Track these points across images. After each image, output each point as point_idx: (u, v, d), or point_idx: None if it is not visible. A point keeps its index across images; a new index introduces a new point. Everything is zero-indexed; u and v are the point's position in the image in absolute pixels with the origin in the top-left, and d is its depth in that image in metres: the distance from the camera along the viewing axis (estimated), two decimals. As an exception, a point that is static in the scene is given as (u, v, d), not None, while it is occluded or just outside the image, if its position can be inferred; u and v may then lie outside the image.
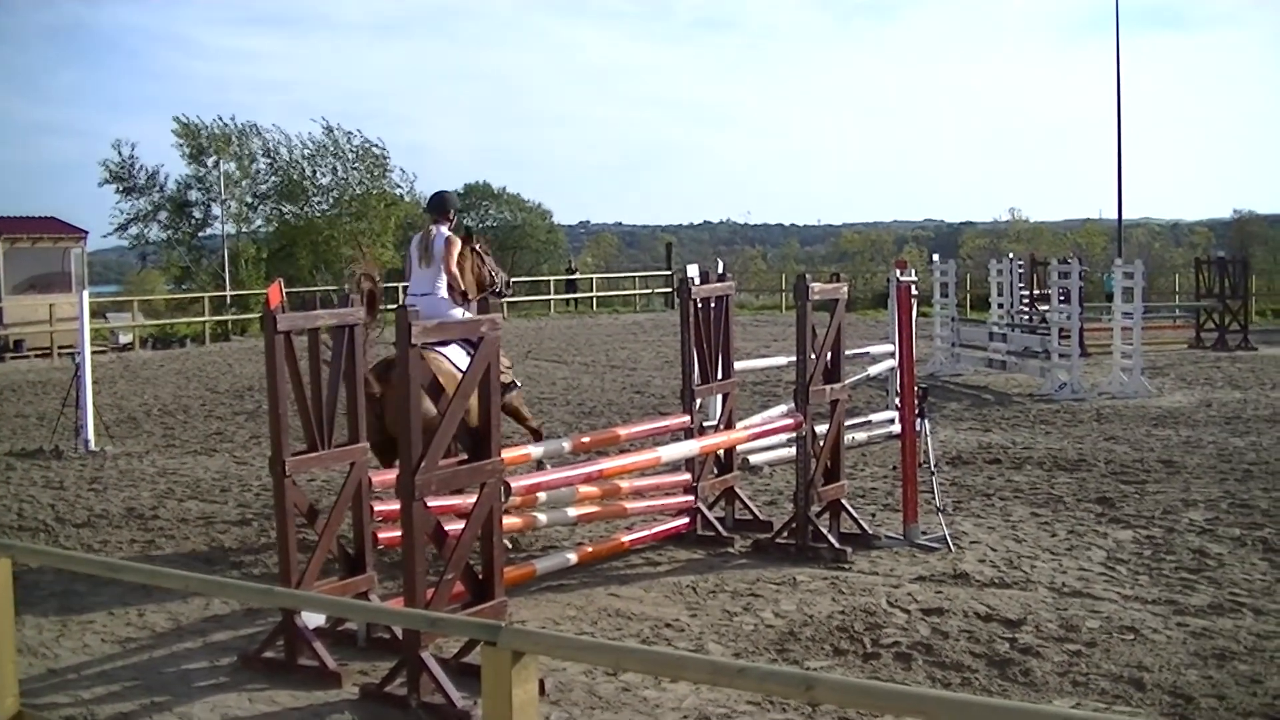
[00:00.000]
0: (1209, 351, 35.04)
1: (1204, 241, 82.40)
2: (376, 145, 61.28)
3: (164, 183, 59.44)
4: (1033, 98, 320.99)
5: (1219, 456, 17.87)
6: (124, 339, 43.20)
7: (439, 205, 14.43)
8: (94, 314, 28.56)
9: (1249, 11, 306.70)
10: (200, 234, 60.96)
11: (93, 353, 22.62)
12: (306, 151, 60.86)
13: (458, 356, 12.45)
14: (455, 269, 13.76)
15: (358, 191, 60.51)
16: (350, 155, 60.78)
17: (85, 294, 21.73)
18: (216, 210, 59.14)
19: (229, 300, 50.88)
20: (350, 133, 60.84)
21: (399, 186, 62.78)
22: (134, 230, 59.59)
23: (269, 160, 61.00)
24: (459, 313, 13.22)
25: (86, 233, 43.06)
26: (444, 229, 13.97)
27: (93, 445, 20.36)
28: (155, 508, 15.74)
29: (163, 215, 59.48)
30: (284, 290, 9.95)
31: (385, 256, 59.71)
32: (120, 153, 58.81)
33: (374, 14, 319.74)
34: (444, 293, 13.61)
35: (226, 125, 59.51)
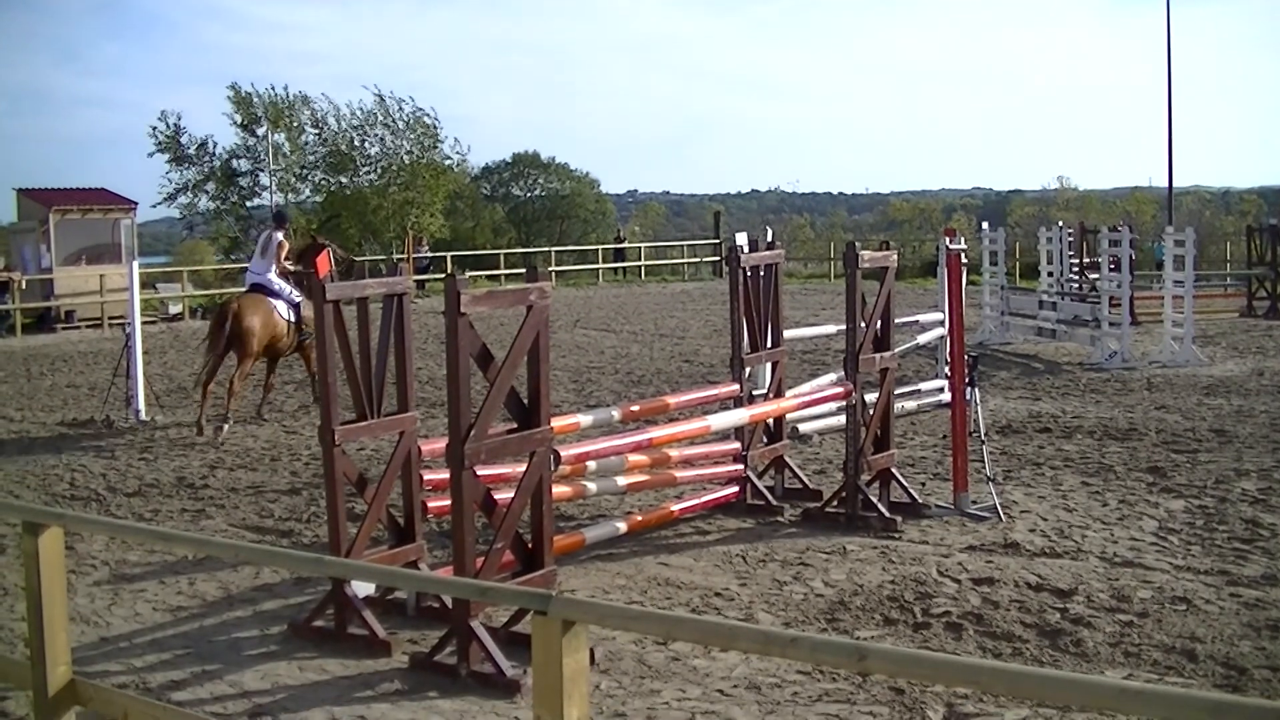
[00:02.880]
0: (1261, 320, 34.77)
1: (1255, 209, 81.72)
2: (428, 114, 61.18)
3: (213, 152, 59.73)
4: (1081, 64, 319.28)
5: (1271, 425, 17.75)
6: (174, 309, 43.33)
7: (279, 218, 21.83)
8: (144, 284, 28.60)
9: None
10: (248, 204, 61.18)
11: (143, 323, 22.72)
12: (355, 121, 60.88)
13: (282, 308, 19.91)
14: (284, 261, 20.02)
15: (406, 161, 60.43)
16: (401, 124, 60.69)
17: (135, 264, 21.81)
18: (265, 180, 59.32)
19: (278, 270, 50.96)
20: (402, 100, 60.80)
21: (449, 158, 62.69)
22: (183, 200, 59.89)
23: (317, 131, 61.06)
24: (286, 288, 19.97)
25: (136, 204, 43.07)
26: (279, 234, 20.35)
27: (143, 415, 20.45)
28: (205, 477, 15.81)
29: (210, 185, 59.72)
30: (333, 259, 9.97)
31: (434, 226, 59.69)
32: (168, 123, 59.05)
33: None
34: (274, 276, 20.03)
35: (278, 95, 59.73)
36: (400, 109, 60.52)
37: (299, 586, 10.92)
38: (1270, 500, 13.34)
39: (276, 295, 19.94)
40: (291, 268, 20.02)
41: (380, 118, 60.52)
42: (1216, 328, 32.29)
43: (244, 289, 21.52)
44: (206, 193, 60.06)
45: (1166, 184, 56.68)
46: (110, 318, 38.67)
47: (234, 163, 60.22)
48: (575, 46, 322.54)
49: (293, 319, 20.08)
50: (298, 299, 19.84)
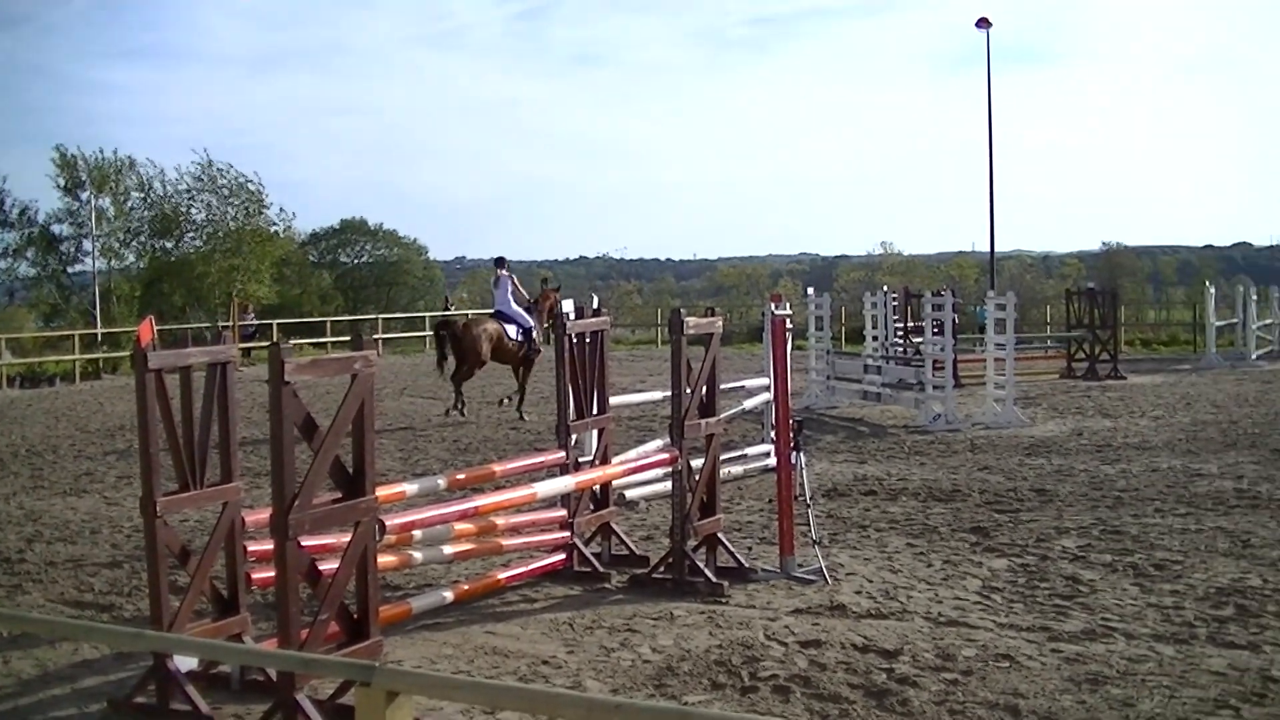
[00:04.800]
0: (1080, 381, 35.59)
1: (1074, 273, 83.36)
2: (252, 181, 60.85)
3: (34, 217, 58.85)
4: (905, 132, 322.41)
5: (1090, 484, 18.11)
6: (-9, 378, 42.56)
7: (499, 262, 29.92)
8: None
9: (1109, 47, 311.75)
10: (70, 270, 60.27)
11: (-41, 393, 22.27)
12: (183, 186, 60.39)
13: (512, 329, 28.26)
14: (521, 290, 29.37)
15: (233, 227, 59.99)
16: (226, 190, 60.27)
17: (-49, 333, 21.40)
18: (88, 245, 58.51)
19: (100, 338, 50.20)
20: (223, 168, 60.42)
21: (275, 224, 62.39)
22: (0, 265, 58.88)
23: (142, 195, 60.42)
24: (521, 314, 28.76)
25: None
26: (503, 273, 29.16)
27: (-41, 488, 20.00)
28: (22, 551, 15.45)
29: (30, 251, 58.75)
30: (155, 327, 9.83)
31: (261, 293, 59.25)
32: (-11, 186, 58.14)
33: (248, 48, 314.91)
34: (514, 305, 28.74)
35: (105, 159, 58.99)
36: (225, 174, 60.16)
37: (120, 662, 10.70)
38: (1089, 557, 13.60)
39: (510, 320, 28.68)
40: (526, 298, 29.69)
41: (206, 183, 60.08)
42: (1038, 389, 32.97)
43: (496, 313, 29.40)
44: (26, 259, 59.11)
45: (989, 249, 57.74)
46: (-76, 388, 37.81)
47: (55, 228, 59.32)
48: (405, 111, 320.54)
49: (521, 339, 28.79)
50: (529, 323, 28.56)
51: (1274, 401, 29.34)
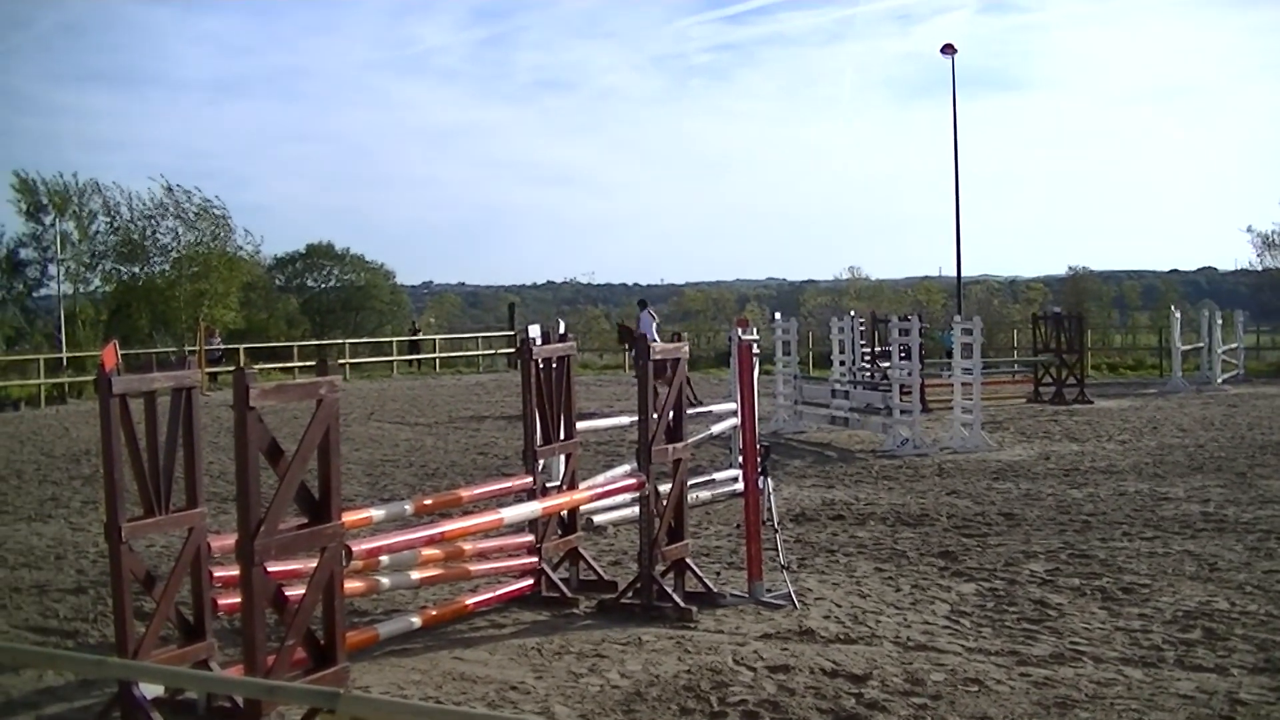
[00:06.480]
0: (1047, 405, 35.66)
1: (1040, 297, 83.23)
2: (216, 206, 60.68)
3: (-1, 241, 58.72)
4: (871, 158, 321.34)
5: (1058, 508, 18.13)
6: (-43, 403, 42.28)
7: (641, 303, 44.53)
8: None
9: (1074, 74, 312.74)
10: (35, 294, 60.05)
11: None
12: (147, 211, 60.18)
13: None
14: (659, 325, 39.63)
15: (199, 252, 59.78)
16: (191, 215, 60.08)
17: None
18: (53, 269, 58.33)
19: (64, 362, 49.94)
20: (190, 191, 60.23)
21: (242, 248, 62.24)
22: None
23: (109, 219, 60.24)
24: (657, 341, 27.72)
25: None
26: (650, 311, 42.75)
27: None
28: (-13, 577, 15.35)
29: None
30: (119, 352, 9.78)
31: (228, 317, 59.03)
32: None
33: (212, 72, 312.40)
34: (654, 334, 36.74)
35: (66, 182, 58.82)
36: (190, 199, 59.98)
37: (85, 689, 10.61)
38: (1057, 581, 13.61)
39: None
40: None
41: (170, 208, 59.90)
42: (1005, 413, 33.02)
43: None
44: (-10, 283, 58.98)
45: (955, 273, 57.80)
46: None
47: (20, 252, 59.13)
48: (370, 136, 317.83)
49: None
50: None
51: (1239, 425, 29.47)
